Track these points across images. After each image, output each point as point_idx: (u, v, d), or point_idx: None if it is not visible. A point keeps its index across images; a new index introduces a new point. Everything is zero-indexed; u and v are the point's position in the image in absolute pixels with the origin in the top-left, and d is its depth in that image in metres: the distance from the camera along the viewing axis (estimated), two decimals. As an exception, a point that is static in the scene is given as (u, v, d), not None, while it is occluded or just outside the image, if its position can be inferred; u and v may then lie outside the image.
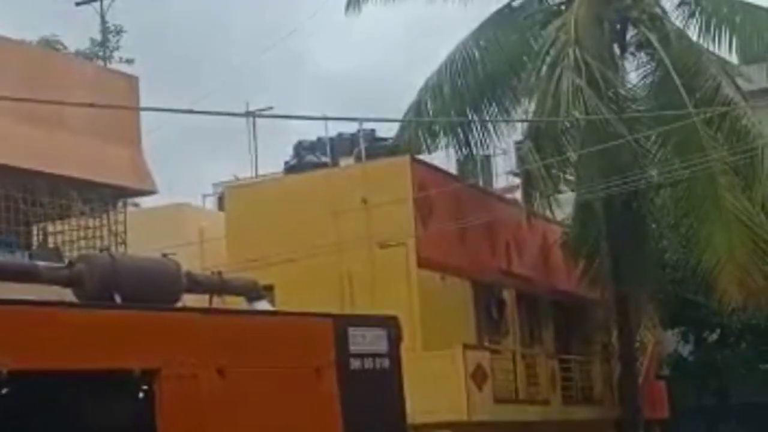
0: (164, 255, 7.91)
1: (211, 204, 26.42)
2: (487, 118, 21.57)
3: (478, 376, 18.41)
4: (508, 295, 21.65)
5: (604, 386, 23.17)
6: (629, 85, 21.56)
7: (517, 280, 21.87)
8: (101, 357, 6.76)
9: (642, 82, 21.52)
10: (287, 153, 22.96)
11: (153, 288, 7.46)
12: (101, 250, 7.27)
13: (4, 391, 6.30)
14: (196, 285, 8.00)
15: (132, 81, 14.33)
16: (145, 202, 21.40)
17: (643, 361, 23.92)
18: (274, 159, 25.43)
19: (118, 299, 7.20)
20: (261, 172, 25.30)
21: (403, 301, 17.49)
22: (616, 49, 21.45)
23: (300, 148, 22.83)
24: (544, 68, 19.93)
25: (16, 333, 6.34)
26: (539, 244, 23.00)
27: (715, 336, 25.75)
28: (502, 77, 21.87)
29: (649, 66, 21.34)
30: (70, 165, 12.76)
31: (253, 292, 8.57)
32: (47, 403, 6.72)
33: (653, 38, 20.70)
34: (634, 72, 21.73)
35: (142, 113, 14.17)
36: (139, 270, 7.54)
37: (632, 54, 21.74)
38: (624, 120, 19.47)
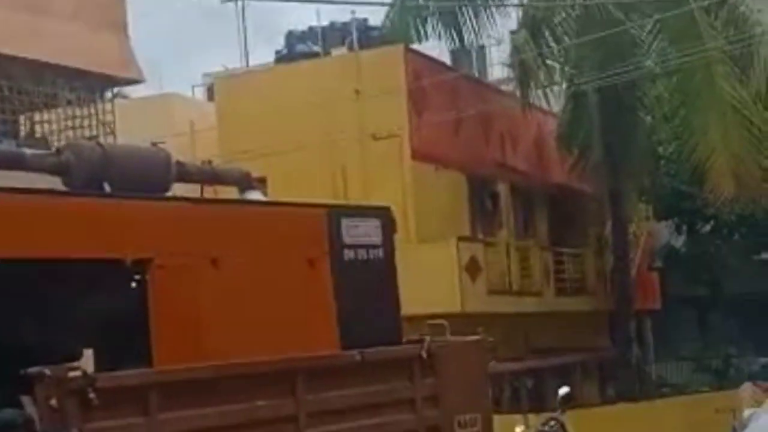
0: (154, 144, 7.74)
1: (200, 95, 26.07)
2: (479, 3, 21.10)
3: (471, 268, 18.45)
4: (502, 188, 21.56)
5: (597, 278, 23.29)
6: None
7: (512, 172, 21.75)
8: (92, 246, 6.67)
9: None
10: (278, 44, 22.57)
11: (142, 177, 7.33)
12: (89, 140, 7.10)
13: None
14: (186, 175, 7.86)
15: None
16: (135, 93, 21.05)
17: (636, 253, 24.00)
18: (265, 50, 24.97)
19: (107, 188, 7.07)
20: (252, 63, 24.85)
21: (397, 193, 17.37)
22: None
23: (291, 37, 22.39)
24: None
25: (6, 221, 6.23)
26: (534, 137, 22.81)
27: (708, 227, 25.79)
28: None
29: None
30: (54, 52, 12.43)
31: (245, 183, 8.45)
32: (38, 292, 6.63)
33: None
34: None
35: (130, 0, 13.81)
36: (128, 159, 7.40)
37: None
38: (620, 6, 19.11)
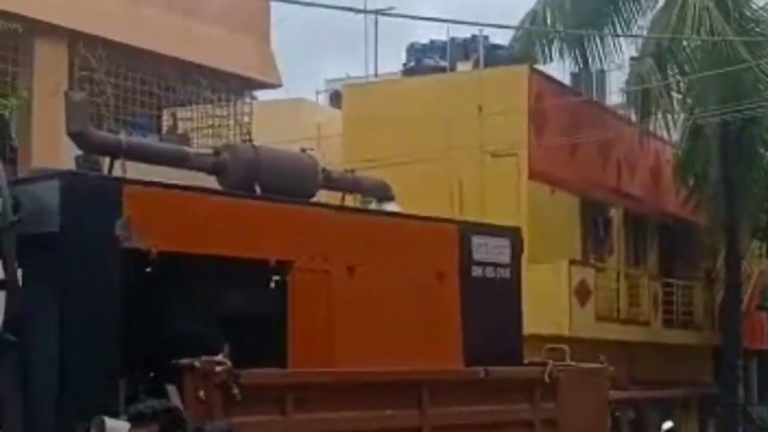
0: (303, 150, 7.99)
1: (322, 100, 26.45)
2: (606, 32, 21.02)
3: (581, 292, 18.39)
4: (615, 214, 21.43)
5: (704, 312, 22.94)
6: (755, 7, 20.83)
7: (626, 198, 21.60)
8: (241, 245, 6.93)
9: (768, 4, 20.77)
10: (398, 55, 22.77)
11: (292, 182, 7.58)
12: (244, 141, 7.39)
13: (149, 269, 6.48)
14: (331, 182, 8.09)
15: (263, -26, 14.31)
16: (261, 95, 21.51)
17: (747, 290, 23.56)
18: (385, 61, 25.15)
19: (258, 190, 7.32)
20: (371, 72, 25.13)
21: (512, 211, 17.39)
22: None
23: (412, 50, 22.59)
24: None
25: (165, 216, 6.52)
26: (650, 165, 22.61)
27: (823, 271, 25.16)
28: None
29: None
30: (201, 53, 12.91)
31: (384, 193, 8.64)
32: (189, 285, 6.89)
33: (785, -43, 19.88)
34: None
35: (272, 7, 14.20)
36: (279, 163, 7.65)
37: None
38: (747, 44, 18.89)
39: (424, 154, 17.71)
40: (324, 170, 8.01)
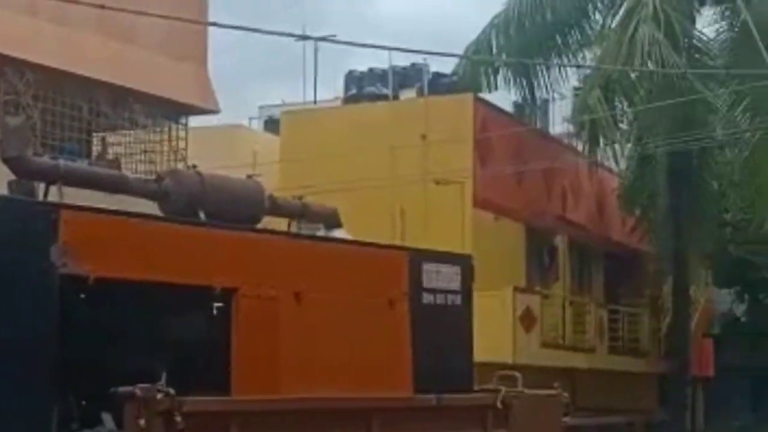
0: (249, 176, 7.79)
1: (256, 126, 26.25)
2: (555, 62, 21.14)
3: (526, 320, 18.32)
4: (560, 241, 21.46)
5: (651, 340, 23.03)
6: (705, 39, 21.06)
7: (571, 227, 21.65)
8: (184, 272, 6.69)
9: (718, 37, 20.99)
10: (334, 84, 22.66)
11: (237, 208, 7.38)
12: (188, 168, 7.17)
13: (86, 295, 6.24)
14: (277, 208, 7.89)
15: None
16: (195, 122, 21.23)
17: (693, 319, 23.69)
18: (320, 89, 25.01)
19: (202, 216, 7.11)
20: (308, 99, 24.99)
21: (456, 239, 17.30)
22: (695, 1, 20.93)
23: (351, 78, 22.52)
24: (618, 16, 19.54)
25: (103, 242, 6.28)
26: (596, 193, 22.73)
27: (772, 298, 25.43)
28: (568, 22, 21.45)
29: (726, 22, 20.78)
30: (137, 78, 12.65)
31: (332, 220, 8.46)
32: (128, 312, 6.66)
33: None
34: (711, 27, 21.20)
35: (210, 33, 14.01)
36: (224, 189, 7.45)
37: (710, 7, 21.19)
38: (698, 75, 19.07)
39: (365, 182, 17.57)
40: (270, 196, 7.80)
